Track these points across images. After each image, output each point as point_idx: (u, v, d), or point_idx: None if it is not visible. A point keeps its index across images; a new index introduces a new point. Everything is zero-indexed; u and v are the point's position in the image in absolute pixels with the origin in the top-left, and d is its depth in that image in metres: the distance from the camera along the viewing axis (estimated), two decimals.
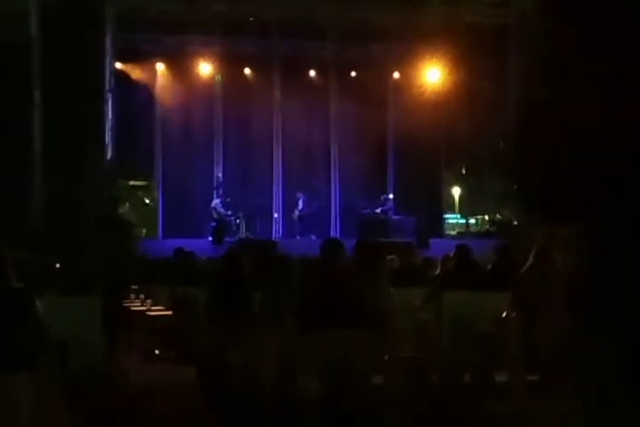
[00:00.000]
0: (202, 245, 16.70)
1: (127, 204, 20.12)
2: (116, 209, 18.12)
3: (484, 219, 22.59)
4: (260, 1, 19.12)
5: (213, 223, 19.26)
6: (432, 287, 8.37)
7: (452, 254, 9.11)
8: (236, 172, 21.21)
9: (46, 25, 16.53)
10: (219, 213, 19.51)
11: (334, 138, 21.91)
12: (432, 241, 18.74)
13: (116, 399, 5.71)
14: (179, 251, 12.10)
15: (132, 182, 20.48)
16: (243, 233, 19.62)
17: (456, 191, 23.54)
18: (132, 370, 6.47)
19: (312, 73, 21.48)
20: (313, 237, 19.64)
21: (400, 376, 5.64)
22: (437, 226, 21.74)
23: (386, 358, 5.64)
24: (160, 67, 20.59)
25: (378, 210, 20.37)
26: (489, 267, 8.75)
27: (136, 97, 20.21)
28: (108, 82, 18.33)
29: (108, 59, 18.24)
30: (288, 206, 21.08)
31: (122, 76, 19.73)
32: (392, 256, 9.84)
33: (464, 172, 23.07)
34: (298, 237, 20.11)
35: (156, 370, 6.72)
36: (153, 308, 10.16)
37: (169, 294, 10.16)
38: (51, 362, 4.76)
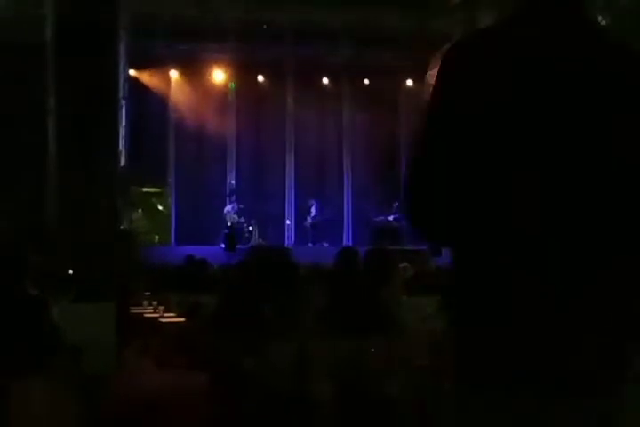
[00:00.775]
0: (215, 252, 16.71)
1: (140, 210, 20.16)
2: (120, 220, 18.09)
3: None
4: (274, 8, 19.13)
5: (226, 230, 19.27)
6: (443, 296, 8.34)
7: None
8: (249, 179, 21.23)
9: (61, 31, 16.58)
10: (231, 220, 19.53)
11: (347, 145, 21.92)
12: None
13: (127, 405, 5.70)
14: (189, 258, 12.12)
15: (145, 189, 20.51)
16: (255, 240, 19.62)
17: None
18: (144, 376, 6.46)
19: (325, 80, 21.50)
20: (325, 245, 19.63)
21: (413, 385, 5.61)
22: None
23: (399, 366, 5.62)
24: (174, 74, 20.65)
25: (390, 217, 20.33)
26: None
27: (150, 104, 20.27)
28: (122, 89, 18.37)
29: (122, 65, 18.28)
30: (301, 213, 21.07)
31: (136, 83, 19.77)
32: (405, 264, 9.82)
33: None
34: (310, 245, 20.10)
35: (168, 377, 6.70)
36: (165, 315, 10.16)
37: (181, 301, 10.16)
38: (64, 368, 4.76)
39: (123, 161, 18.31)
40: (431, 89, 1.94)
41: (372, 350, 5.41)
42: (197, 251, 13.93)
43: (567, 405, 1.81)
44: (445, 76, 1.92)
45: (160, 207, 20.83)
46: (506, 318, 1.83)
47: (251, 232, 19.80)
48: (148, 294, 11.66)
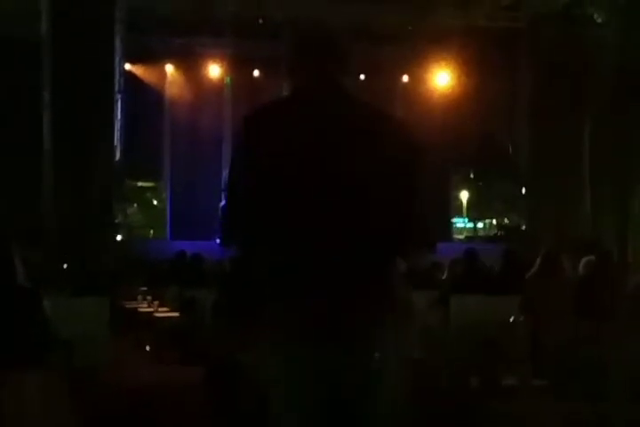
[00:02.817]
0: (210, 247, 16.69)
1: (135, 205, 20.16)
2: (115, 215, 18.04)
3: (492, 223, 22.56)
4: (270, 3, 19.11)
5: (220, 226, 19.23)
6: (440, 291, 8.36)
7: (459, 259, 9.11)
8: None
9: (56, 25, 16.57)
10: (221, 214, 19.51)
11: None
12: (439, 245, 18.66)
13: (120, 400, 5.71)
14: (180, 254, 12.08)
15: (140, 183, 20.52)
16: None
17: (464, 195, 23.51)
18: (138, 371, 6.47)
19: None
20: None
21: (407, 379, 5.62)
22: (445, 230, 21.71)
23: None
24: (170, 68, 20.62)
25: None
26: (497, 271, 8.74)
27: (145, 98, 20.24)
28: (118, 83, 18.36)
29: (117, 59, 18.27)
30: None
31: (131, 77, 19.76)
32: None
33: (472, 176, 23.05)
34: None
35: (162, 371, 6.72)
36: (160, 309, 10.17)
37: (176, 296, 10.17)
38: (56, 361, 4.76)
39: (118, 155, 18.31)
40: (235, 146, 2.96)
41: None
42: (192, 246, 13.91)
43: (340, 348, 2.72)
44: (244, 137, 2.82)
45: (155, 202, 20.83)
46: (290, 294, 2.75)
47: None
48: (142, 288, 11.68)
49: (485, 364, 6.02)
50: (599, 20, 18.27)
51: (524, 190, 20.47)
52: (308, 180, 2.73)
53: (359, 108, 2.90)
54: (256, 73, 21.00)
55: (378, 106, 2.98)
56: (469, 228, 23.17)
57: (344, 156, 2.76)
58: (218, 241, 16.32)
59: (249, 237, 2.85)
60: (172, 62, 20.49)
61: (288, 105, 2.91)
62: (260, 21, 19.57)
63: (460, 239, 22.21)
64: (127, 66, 19.56)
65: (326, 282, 2.73)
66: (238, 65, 20.54)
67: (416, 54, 20.75)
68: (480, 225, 22.95)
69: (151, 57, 20.00)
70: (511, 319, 6.73)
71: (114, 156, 18.04)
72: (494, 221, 22.38)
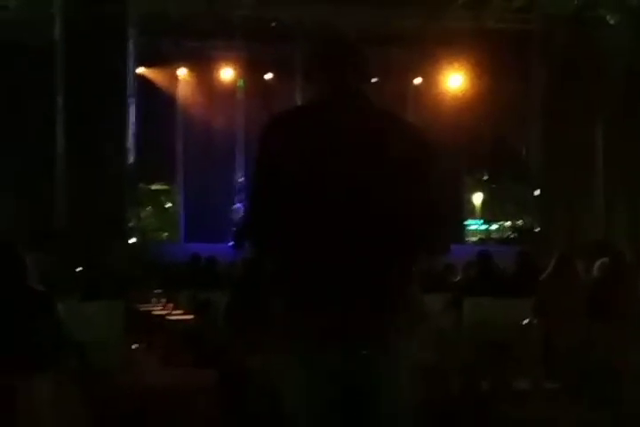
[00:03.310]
0: (223, 250, 16.72)
1: (148, 208, 20.21)
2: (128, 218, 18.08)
3: (505, 225, 22.50)
4: (282, 6, 19.13)
5: (235, 227, 19.27)
6: (453, 294, 8.35)
7: (473, 261, 9.09)
8: None
9: (69, 29, 16.63)
10: (240, 218, 19.52)
11: None
12: (453, 247, 18.63)
13: (134, 403, 5.71)
14: (195, 257, 12.12)
15: (153, 187, 20.56)
16: None
17: (477, 197, 23.46)
18: (152, 374, 6.47)
19: None
20: None
21: (419, 383, 5.61)
22: (458, 232, 21.66)
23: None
24: (182, 71, 20.65)
25: None
26: (510, 274, 8.72)
27: (158, 101, 20.27)
28: (131, 86, 18.40)
29: (130, 63, 18.31)
30: None
31: (144, 81, 19.79)
32: None
33: (485, 177, 23.00)
34: None
35: (176, 374, 6.71)
36: (174, 312, 10.18)
37: (190, 299, 10.18)
38: (69, 365, 4.77)
39: (131, 159, 18.35)
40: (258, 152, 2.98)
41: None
42: (206, 248, 13.94)
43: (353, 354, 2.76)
44: (265, 143, 2.95)
45: (168, 205, 20.86)
46: (309, 300, 2.80)
47: None
48: (157, 291, 11.69)
49: (497, 367, 6.01)
50: (611, 22, 18.22)
51: (537, 192, 20.42)
52: (329, 186, 2.80)
53: (378, 117, 2.96)
54: (269, 76, 21.01)
55: (396, 113, 3.07)
56: (482, 230, 23.10)
57: (363, 163, 2.82)
58: (231, 244, 16.42)
59: (272, 243, 2.91)
60: (184, 66, 20.51)
61: (308, 112, 2.99)
62: (273, 24, 19.59)
63: (473, 241, 22.15)
64: (140, 70, 19.59)
65: (345, 287, 2.78)
66: (251, 68, 20.54)
67: (429, 57, 20.72)
68: (493, 227, 22.88)
69: (164, 60, 20.03)
70: (525, 322, 6.71)
71: (127, 159, 18.08)
72: (507, 224, 22.32)
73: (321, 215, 2.80)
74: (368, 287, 2.81)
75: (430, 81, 21.54)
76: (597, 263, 7.58)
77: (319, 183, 2.80)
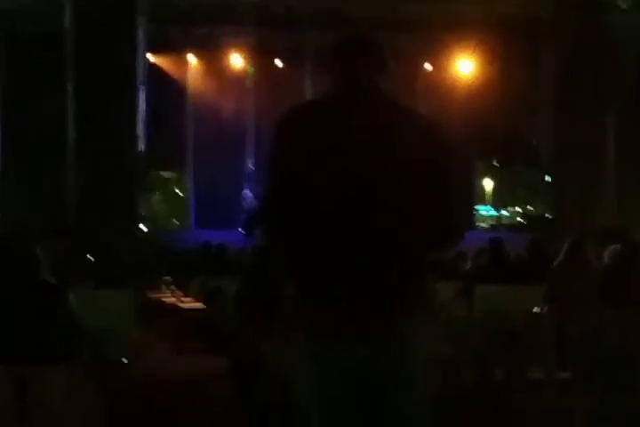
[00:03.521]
0: (233, 236, 16.73)
1: (159, 195, 20.22)
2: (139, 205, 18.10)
3: (516, 211, 22.42)
4: None
5: (245, 214, 19.27)
6: (464, 282, 8.34)
7: (484, 248, 9.08)
8: None
9: (79, 17, 16.62)
10: (250, 205, 19.52)
11: None
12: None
13: (146, 391, 5.73)
14: (206, 245, 12.15)
15: (163, 174, 20.56)
16: None
17: (488, 183, 23.37)
18: (163, 362, 6.50)
19: None
20: None
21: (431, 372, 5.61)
22: (469, 218, 21.59)
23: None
24: (192, 59, 20.61)
25: None
26: (521, 260, 8.71)
27: (168, 89, 20.25)
28: (141, 74, 18.38)
29: (140, 51, 18.28)
30: None
31: (154, 68, 19.76)
32: None
33: (496, 163, 22.92)
34: None
35: (187, 362, 6.74)
36: (184, 299, 10.20)
37: (200, 286, 10.19)
38: (83, 355, 4.79)
39: (141, 146, 18.35)
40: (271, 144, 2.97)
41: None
42: (217, 235, 13.95)
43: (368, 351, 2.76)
44: (280, 136, 2.93)
45: (179, 192, 20.86)
46: (324, 291, 2.81)
47: None
48: (167, 278, 11.71)
49: (509, 355, 6.00)
50: (624, 7, 18.09)
51: (548, 178, 20.35)
52: (343, 179, 2.82)
53: (390, 110, 2.99)
54: (279, 63, 20.96)
55: (408, 106, 3.08)
56: (493, 216, 23.01)
57: (376, 156, 2.85)
58: (241, 230, 16.43)
59: (286, 233, 2.93)
60: (194, 53, 20.46)
61: (321, 107, 3.03)
62: (283, 11, 19.52)
63: (483, 227, 22.07)
64: (150, 57, 19.55)
65: (358, 280, 2.80)
66: (261, 55, 20.49)
67: (438, 43, 20.63)
68: (504, 213, 22.78)
69: (173, 48, 19.99)
70: (536, 309, 6.70)
71: (137, 147, 18.07)
72: (518, 209, 22.23)
73: (335, 208, 2.81)
74: (382, 280, 2.81)
75: (440, 67, 21.44)
76: (609, 249, 7.55)
77: (334, 176, 2.81)
